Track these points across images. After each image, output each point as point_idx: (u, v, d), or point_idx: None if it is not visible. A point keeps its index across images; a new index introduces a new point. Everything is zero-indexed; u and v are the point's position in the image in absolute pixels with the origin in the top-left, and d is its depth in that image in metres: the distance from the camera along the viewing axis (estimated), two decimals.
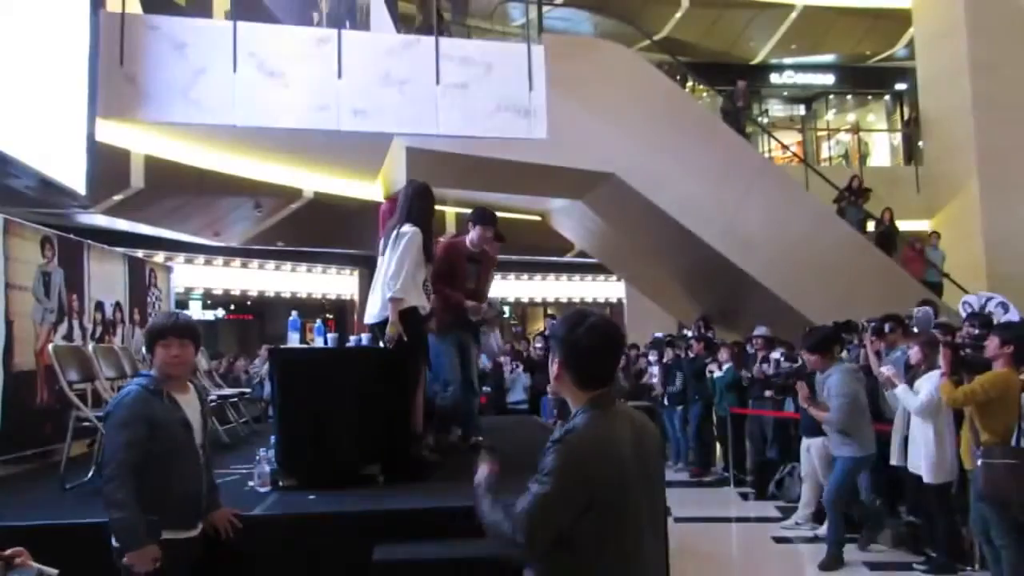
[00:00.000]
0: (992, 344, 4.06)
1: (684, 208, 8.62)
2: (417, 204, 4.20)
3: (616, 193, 8.69)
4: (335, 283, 15.18)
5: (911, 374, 4.87)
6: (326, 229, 12.19)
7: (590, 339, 1.85)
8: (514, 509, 1.77)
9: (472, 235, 4.64)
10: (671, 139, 8.65)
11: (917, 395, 4.64)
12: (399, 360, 4.00)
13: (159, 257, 11.42)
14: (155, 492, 2.46)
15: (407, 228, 4.14)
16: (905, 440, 4.81)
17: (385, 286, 4.06)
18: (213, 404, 6.22)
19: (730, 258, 8.76)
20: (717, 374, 8.01)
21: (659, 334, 10.45)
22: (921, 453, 4.66)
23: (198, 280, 13.44)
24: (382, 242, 4.25)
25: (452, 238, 4.98)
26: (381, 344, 4.02)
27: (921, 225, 12.01)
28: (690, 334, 10.07)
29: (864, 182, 11.00)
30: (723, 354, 8.09)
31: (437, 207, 4.53)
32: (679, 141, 8.66)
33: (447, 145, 7.39)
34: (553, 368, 1.88)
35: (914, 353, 4.87)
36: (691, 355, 8.63)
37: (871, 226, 10.43)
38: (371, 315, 4.21)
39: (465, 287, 4.61)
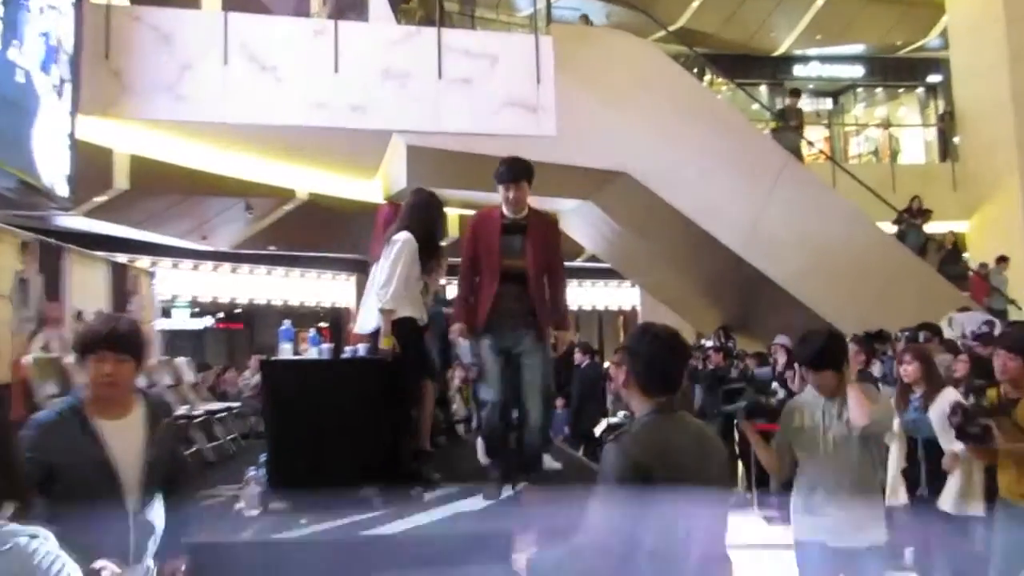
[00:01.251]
0: (1004, 361, 3.29)
1: (703, 209, 8.59)
2: (416, 215, 4.20)
3: (629, 193, 8.67)
4: (330, 290, 15.19)
5: (910, 396, 4.08)
6: (321, 232, 12.20)
7: (652, 347, 2.11)
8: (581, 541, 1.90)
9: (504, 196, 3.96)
10: (688, 135, 8.62)
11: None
12: (399, 373, 3.99)
13: (144, 262, 11.45)
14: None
15: (399, 236, 4.15)
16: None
17: (375, 296, 4.06)
18: (199, 419, 6.23)
19: (752, 263, 8.73)
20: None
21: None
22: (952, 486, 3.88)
23: (185, 287, 13.47)
24: (383, 251, 4.25)
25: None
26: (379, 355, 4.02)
27: (959, 226, 11.94)
28: (709, 344, 10.02)
29: (920, 201, 10.88)
30: (751, 365, 8.08)
31: None
32: (697, 137, 8.64)
33: (450, 143, 7.38)
34: (621, 374, 2.20)
35: (912, 370, 4.02)
36: (709, 366, 8.58)
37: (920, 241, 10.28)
38: (362, 325, 4.22)
39: (501, 264, 3.92)
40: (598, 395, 9.57)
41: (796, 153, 9.77)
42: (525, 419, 3.93)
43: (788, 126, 10.58)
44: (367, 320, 4.21)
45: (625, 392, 2.17)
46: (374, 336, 4.13)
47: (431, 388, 4.38)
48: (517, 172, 3.99)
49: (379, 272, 4.18)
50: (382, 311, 4.03)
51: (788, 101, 11.60)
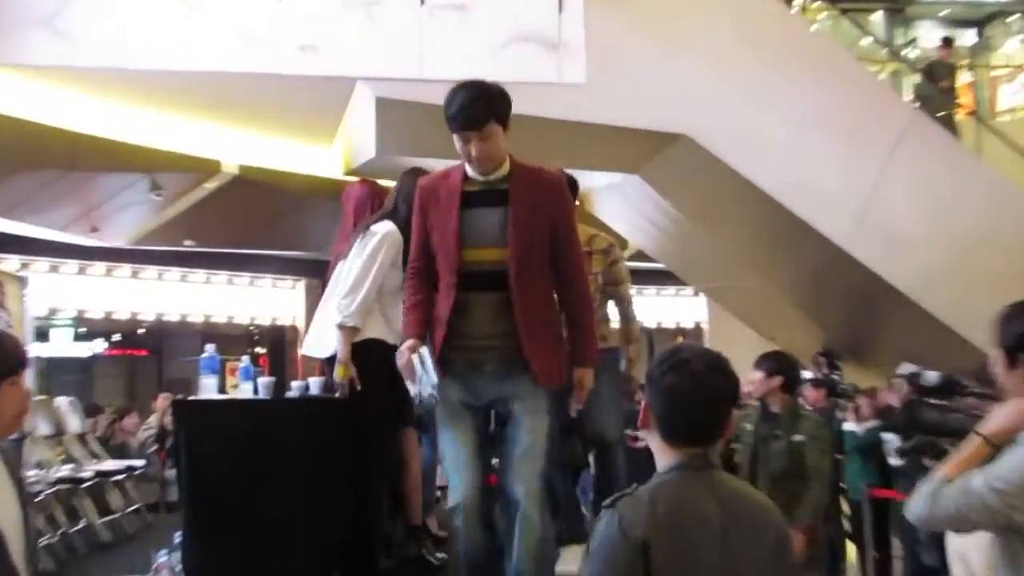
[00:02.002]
0: None
1: (793, 186, 8.58)
2: (408, 203, 4.21)
3: (690, 164, 8.67)
4: (270, 301, 15.22)
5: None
6: (257, 221, 12.23)
7: (679, 382, 2.09)
8: None
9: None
10: (772, 84, 8.61)
11: None
12: (366, 417, 4.00)
13: (10, 264, 11.49)
14: None
15: (380, 226, 4.17)
16: None
17: (335, 306, 4.08)
18: (88, 483, 6.23)
19: (863, 260, 8.71)
20: (851, 426, 7.97)
21: (759, 374, 10.39)
22: None
23: (67, 298, 13.52)
24: (353, 245, 4.29)
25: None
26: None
27: None
28: (807, 376, 9.99)
29: None
30: (864, 406, 8.05)
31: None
32: (784, 87, 8.62)
33: (436, 94, 7.36)
34: (641, 410, 2.19)
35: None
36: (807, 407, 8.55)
37: None
38: (315, 345, 4.24)
39: (460, 257, 3.31)
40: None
41: (949, 127, 9.63)
42: (514, 530, 3.20)
43: (935, 87, 10.40)
44: (323, 339, 4.23)
45: (643, 431, 2.19)
46: (331, 363, 4.15)
47: (414, 440, 4.39)
48: (477, 111, 3.27)
49: (346, 273, 4.20)
50: (341, 327, 4.04)
51: (938, 50, 11.34)
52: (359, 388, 4.04)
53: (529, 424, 3.25)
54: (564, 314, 3.44)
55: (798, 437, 4.89)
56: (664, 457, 2.13)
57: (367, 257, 4.12)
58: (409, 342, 3.31)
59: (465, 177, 3.41)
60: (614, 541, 1.98)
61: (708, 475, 2.09)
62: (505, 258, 3.28)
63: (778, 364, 5.12)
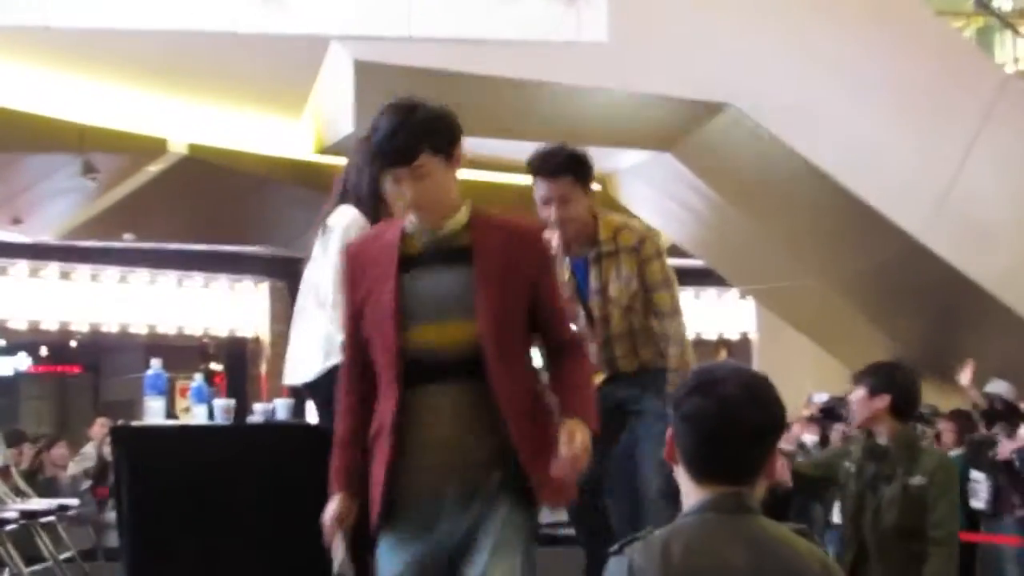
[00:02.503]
0: None
1: (859, 166, 8.59)
2: (361, 168, 4.23)
3: (734, 139, 8.69)
4: (227, 308, 15.23)
5: None
6: (211, 210, 12.25)
7: (704, 407, 2.07)
8: None
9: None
10: (834, 44, 8.62)
11: None
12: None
13: None
14: None
15: (337, 217, 4.21)
16: None
17: (324, 318, 4.13)
18: (11, 527, 6.24)
19: (943, 255, 8.74)
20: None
21: (819, 396, 10.39)
22: None
23: None
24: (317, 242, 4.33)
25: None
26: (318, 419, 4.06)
27: None
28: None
29: None
30: (947, 431, 8.04)
31: None
32: (848, 47, 8.63)
33: (427, 56, 7.41)
34: (666, 441, 2.19)
35: None
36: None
37: None
38: (297, 369, 4.26)
39: (394, 339, 2.92)
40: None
41: None
42: None
43: None
44: (307, 359, 4.25)
45: (669, 462, 2.18)
46: (316, 389, 4.17)
47: None
48: (404, 140, 2.88)
49: (313, 283, 4.22)
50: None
51: None
52: None
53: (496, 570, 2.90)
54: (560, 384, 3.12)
55: (916, 480, 4.32)
56: (691, 496, 2.11)
57: (337, 258, 4.14)
58: (334, 506, 3.03)
59: (404, 233, 3.00)
60: None
61: (740, 519, 2.06)
62: (472, 335, 2.91)
63: (885, 379, 4.46)
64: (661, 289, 4.36)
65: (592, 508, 4.21)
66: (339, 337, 4.01)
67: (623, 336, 4.32)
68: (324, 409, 4.14)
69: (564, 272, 4.15)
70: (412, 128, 2.92)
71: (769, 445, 2.11)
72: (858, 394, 4.43)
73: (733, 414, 2.05)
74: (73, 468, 10.31)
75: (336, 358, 4.02)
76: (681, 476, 2.13)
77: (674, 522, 2.08)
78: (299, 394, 4.30)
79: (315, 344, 4.17)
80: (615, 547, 2.06)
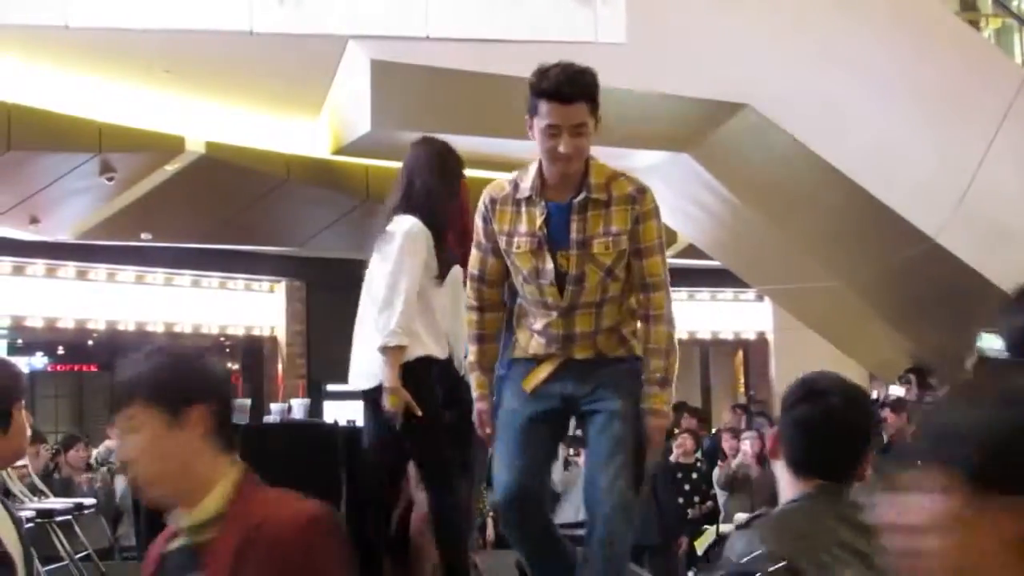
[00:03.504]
0: None
1: (878, 167, 8.56)
2: (425, 179, 4.36)
3: (752, 140, 8.68)
4: (244, 307, 15.26)
5: None
6: (228, 210, 12.27)
7: (812, 414, 2.34)
8: None
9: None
10: (852, 44, 8.60)
11: None
12: (402, 454, 4.06)
13: None
14: None
15: (397, 224, 4.28)
16: None
17: (375, 324, 4.19)
18: (28, 526, 6.26)
19: (961, 256, 8.72)
20: None
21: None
22: None
23: (1, 302, 13.59)
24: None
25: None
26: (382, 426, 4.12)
27: None
28: (895, 391, 9.95)
29: None
30: None
31: None
32: (867, 47, 8.61)
33: (444, 56, 7.41)
34: (770, 438, 2.48)
35: None
36: (885, 437, 8.52)
37: None
38: (360, 373, 4.30)
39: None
40: (700, 486, 9.54)
41: None
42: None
43: None
44: (364, 366, 4.32)
45: (773, 463, 2.48)
46: (372, 394, 4.22)
47: (475, 478, 4.63)
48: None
49: (375, 286, 4.31)
50: (384, 349, 4.15)
51: None
52: (418, 415, 4.17)
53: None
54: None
55: None
56: (792, 488, 2.38)
57: (393, 264, 4.18)
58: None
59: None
60: (757, 561, 2.23)
61: (840, 503, 2.33)
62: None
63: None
64: (656, 254, 3.65)
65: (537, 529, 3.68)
66: (381, 340, 4.10)
67: (590, 308, 3.60)
68: (375, 416, 4.23)
69: (537, 217, 3.56)
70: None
71: (864, 447, 2.41)
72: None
73: (838, 422, 2.33)
74: (93, 466, 10.33)
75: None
76: (782, 471, 2.40)
77: (783, 506, 2.38)
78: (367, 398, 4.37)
79: (371, 353, 4.26)
80: (743, 521, 2.41)
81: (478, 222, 3.72)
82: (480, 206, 3.74)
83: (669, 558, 8.90)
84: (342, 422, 6.55)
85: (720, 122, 8.63)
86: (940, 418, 1.26)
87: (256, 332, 15.40)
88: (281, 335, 15.10)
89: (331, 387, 13.17)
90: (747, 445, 9.50)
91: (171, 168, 10.97)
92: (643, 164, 10.18)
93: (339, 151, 8.70)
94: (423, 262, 4.27)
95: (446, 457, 4.31)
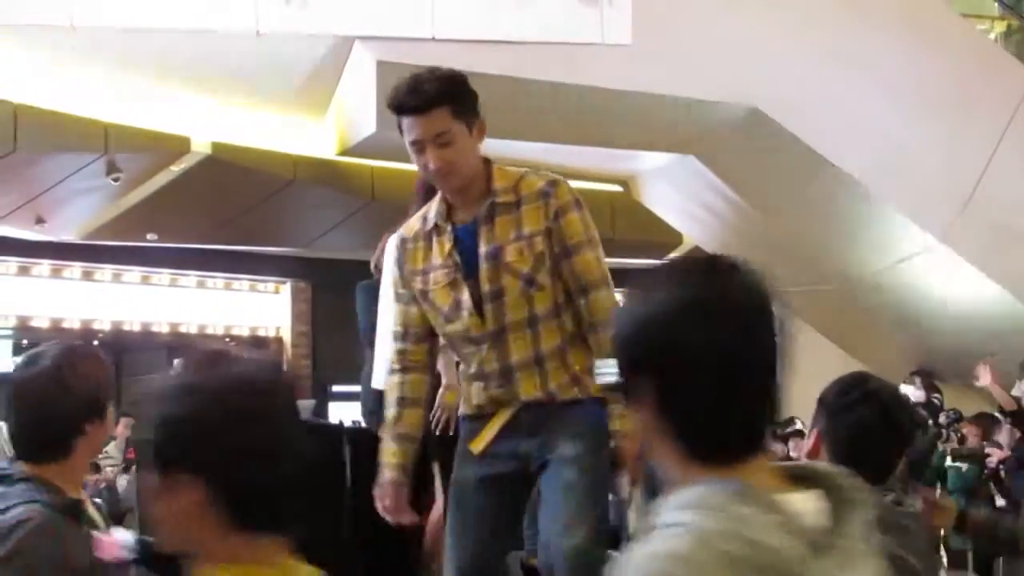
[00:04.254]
0: None
1: (883, 170, 8.57)
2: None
3: (759, 142, 8.68)
4: (249, 308, 15.26)
5: None
6: (234, 210, 12.27)
7: (865, 412, 2.38)
8: None
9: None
10: (859, 47, 8.59)
11: None
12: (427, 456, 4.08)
13: None
14: None
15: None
16: None
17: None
18: None
19: (968, 260, 8.74)
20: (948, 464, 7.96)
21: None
22: None
23: (6, 302, 13.59)
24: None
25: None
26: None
27: None
28: (906, 394, 9.95)
29: None
30: (971, 435, 8.03)
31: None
32: (874, 50, 8.61)
33: (450, 57, 7.38)
34: (810, 439, 2.47)
35: None
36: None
37: None
38: (381, 375, 4.29)
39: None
40: None
41: None
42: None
43: None
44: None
45: (810, 460, 2.45)
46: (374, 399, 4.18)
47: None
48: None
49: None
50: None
51: None
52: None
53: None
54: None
55: None
56: None
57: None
58: None
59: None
60: None
61: (878, 505, 2.41)
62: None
63: None
64: (586, 250, 3.16)
65: None
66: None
67: (522, 330, 3.13)
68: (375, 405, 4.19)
69: (446, 243, 3.16)
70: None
71: (905, 448, 2.51)
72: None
73: (893, 422, 2.39)
74: (99, 465, 10.33)
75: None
76: None
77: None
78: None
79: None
80: None
81: (393, 269, 3.36)
82: (392, 251, 3.37)
83: None
84: (347, 423, 6.55)
85: (725, 124, 8.63)
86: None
87: (261, 333, 15.39)
88: (286, 336, 15.08)
89: (336, 388, 13.18)
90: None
91: (177, 168, 10.96)
92: (649, 166, 10.19)
93: (345, 152, 8.69)
94: None
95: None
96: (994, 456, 7.90)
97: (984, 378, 8.72)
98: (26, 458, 2.56)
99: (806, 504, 1.43)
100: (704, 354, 1.39)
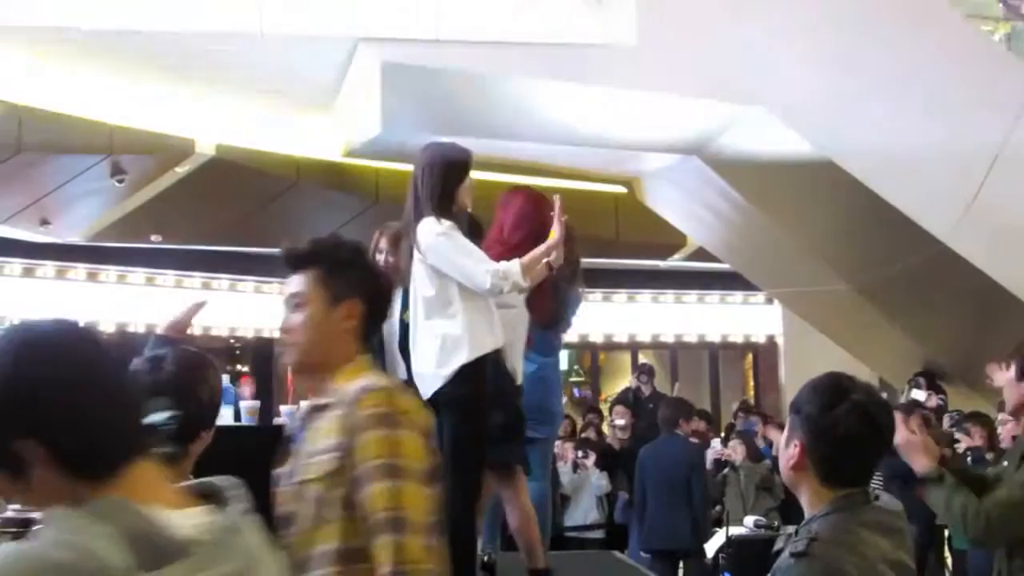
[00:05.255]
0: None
1: (888, 171, 8.53)
2: (439, 181, 4.41)
3: (763, 143, 8.69)
4: (254, 309, 15.25)
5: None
6: (238, 212, 12.28)
7: (852, 423, 2.36)
8: None
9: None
10: (864, 47, 8.57)
11: None
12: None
13: None
14: None
15: (428, 229, 4.32)
16: None
17: (478, 283, 4.26)
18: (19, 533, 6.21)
19: (971, 259, 8.69)
20: None
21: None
22: None
23: (9, 304, 13.59)
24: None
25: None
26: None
27: None
28: (915, 396, 9.93)
29: None
30: (976, 437, 8.02)
31: None
32: (879, 51, 8.59)
33: (455, 58, 7.40)
34: (791, 452, 2.43)
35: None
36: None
37: None
38: (423, 388, 4.32)
39: None
40: (703, 490, 9.55)
41: None
42: None
43: None
44: (425, 376, 4.37)
45: (791, 476, 2.46)
46: (440, 402, 4.24)
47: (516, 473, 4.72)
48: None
49: (423, 288, 4.41)
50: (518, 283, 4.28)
51: None
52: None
53: None
54: None
55: None
56: (819, 499, 2.42)
57: (450, 264, 4.35)
58: None
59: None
60: None
61: (867, 511, 2.40)
62: None
63: None
64: (375, 481, 2.37)
65: None
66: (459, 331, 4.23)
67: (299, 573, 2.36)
68: (455, 420, 4.25)
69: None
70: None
71: (886, 451, 2.56)
72: (1007, 376, 3.99)
73: (878, 428, 2.40)
74: None
75: (458, 356, 4.23)
76: (807, 482, 2.43)
77: (824, 521, 2.37)
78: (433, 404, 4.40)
79: (430, 356, 4.33)
80: (798, 550, 2.33)
81: None
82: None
83: (702, 563, 8.84)
84: None
85: (731, 125, 8.62)
86: None
87: (266, 334, 15.38)
88: None
89: None
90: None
91: (181, 170, 10.98)
92: (653, 167, 10.18)
93: (349, 153, 8.68)
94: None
95: (478, 456, 4.35)
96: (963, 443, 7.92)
97: (999, 378, 8.71)
98: None
99: (191, 519, 1.47)
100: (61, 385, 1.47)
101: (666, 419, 8.65)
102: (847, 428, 2.37)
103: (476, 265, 4.26)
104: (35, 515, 2.56)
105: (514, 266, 4.25)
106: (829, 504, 2.39)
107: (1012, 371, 3.92)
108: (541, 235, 4.57)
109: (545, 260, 4.39)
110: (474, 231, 4.58)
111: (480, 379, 4.30)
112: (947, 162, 8.65)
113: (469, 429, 4.26)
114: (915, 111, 8.64)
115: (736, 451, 9.70)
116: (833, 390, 2.43)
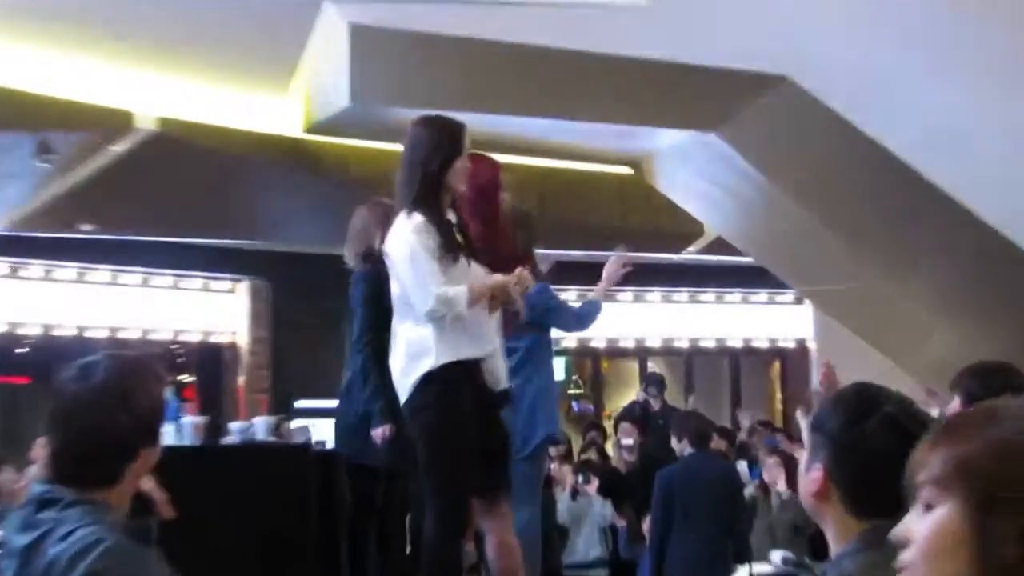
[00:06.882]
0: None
1: (937, 151, 8.57)
2: (419, 164, 4.47)
3: (791, 117, 8.71)
4: (201, 309, 15.27)
5: None
6: (183, 196, 12.26)
7: (883, 440, 2.26)
8: None
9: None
10: (905, 10, 8.60)
11: None
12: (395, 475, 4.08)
13: None
14: None
15: (396, 226, 4.43)
16: None
17: (418, 303, 4.32)
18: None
19: None
20: None
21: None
22: None
23: None
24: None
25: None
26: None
27: None
28: (953, 406, 9.94)
29: None
30: None
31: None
32: (922, 14, 8.61)
33: (434, 19, 7.41)
34: (812, 476, 2.35)
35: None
36: None
37: None
38: (398, 380, 4.45)
39: None
40: (726, 516, 9.54)
41: None
42: None
43: None
44: (398, 381, 4.45)
45: (812, 504, 2.37)
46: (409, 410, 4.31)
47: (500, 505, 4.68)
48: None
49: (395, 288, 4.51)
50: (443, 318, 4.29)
51: None
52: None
53: None
54: None
55: None
56: (847, 530, 2.30)
57: (404, 274, 4.43)
58: None
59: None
60: None
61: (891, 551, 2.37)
62: None
63: (989, 383, 4.43)
64: None
65: None
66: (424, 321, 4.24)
67: None
68: (424, 435, 4.33)
69: None
70: None
71: None
72: (952, 405, 4.42)
73: (908, 442, 2.23)
74: (19, 496, 10.29)
75: (424, 362, 4.30)
76: (832, 510, 2.32)
77: (855, 560, 2.25)
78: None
79: (399, 361, 4.41)
80: None
81: None
82: None
83: None
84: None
85: (754, 97, 8.65)
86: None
87: (214, 339, 15.41)
88: (243, 342, 15.09)
89: (300, 403, 13.12)
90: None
91: (118, 148, 10.96)
92: (665, 144, 10.20)
93: (313, 129, 8.69)
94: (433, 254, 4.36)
95: (456, 476, 4.36)
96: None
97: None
98: (67, 481, 2.56)
99: None
100: None
101: (697, 432, 8.56)
102: (877, 446, 2.28)
103: (422, 284, 4.31)
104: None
105: (461, 294, 4.27)
106: (859, 539, 2.30)
107: (956, 402, 4.28)
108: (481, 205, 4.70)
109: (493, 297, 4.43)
110: (525, 225, 4.60)
111: (452, 389, 4.32)
112: (1004, 139, 8.67)
113: (439, 446, 4.29)
114: (969, 81, 8.66)
115: (772, 472, 9.65)
116: (860, 402, 2.35)
